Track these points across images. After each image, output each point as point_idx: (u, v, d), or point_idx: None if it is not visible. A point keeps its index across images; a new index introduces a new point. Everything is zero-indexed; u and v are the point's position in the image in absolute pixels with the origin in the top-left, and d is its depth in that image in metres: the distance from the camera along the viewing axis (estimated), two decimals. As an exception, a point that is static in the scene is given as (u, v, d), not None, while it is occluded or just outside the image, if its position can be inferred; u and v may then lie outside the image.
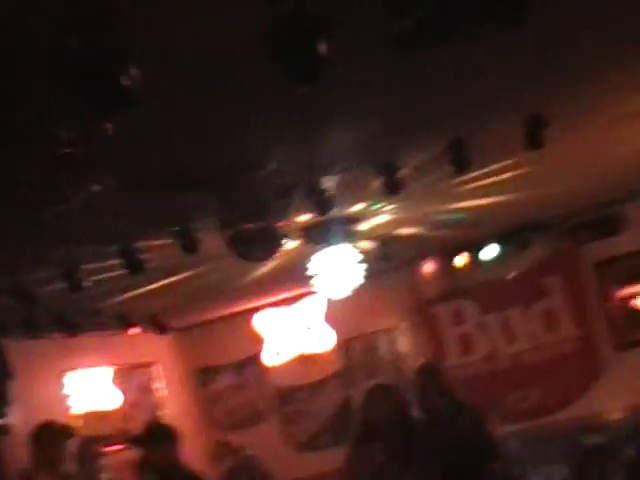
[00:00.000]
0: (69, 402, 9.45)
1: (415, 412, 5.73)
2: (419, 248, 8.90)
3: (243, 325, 11.02)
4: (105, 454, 6.70)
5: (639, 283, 9.74)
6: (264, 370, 11.20)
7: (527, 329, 10.11)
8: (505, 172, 6.74)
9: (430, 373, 5.83)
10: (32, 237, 5.56)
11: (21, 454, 8.21)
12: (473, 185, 6.79)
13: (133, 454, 7.11)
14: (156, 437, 6.21)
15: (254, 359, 11.23)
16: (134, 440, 6.79)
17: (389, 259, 8.35)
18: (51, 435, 7.13)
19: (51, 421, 7.26)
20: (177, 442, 6.17)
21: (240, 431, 10.63)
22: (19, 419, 8.38)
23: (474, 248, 9.62)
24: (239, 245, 5.63)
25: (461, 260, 9.64)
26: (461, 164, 5.59)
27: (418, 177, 6.18)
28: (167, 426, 6.48)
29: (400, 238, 8.21)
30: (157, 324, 9.48)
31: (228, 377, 11.41)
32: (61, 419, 9.13)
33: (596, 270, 9.86)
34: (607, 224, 9.54)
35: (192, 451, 7.22)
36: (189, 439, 6.64)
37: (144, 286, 7.53)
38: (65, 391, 9.45)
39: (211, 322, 11.09)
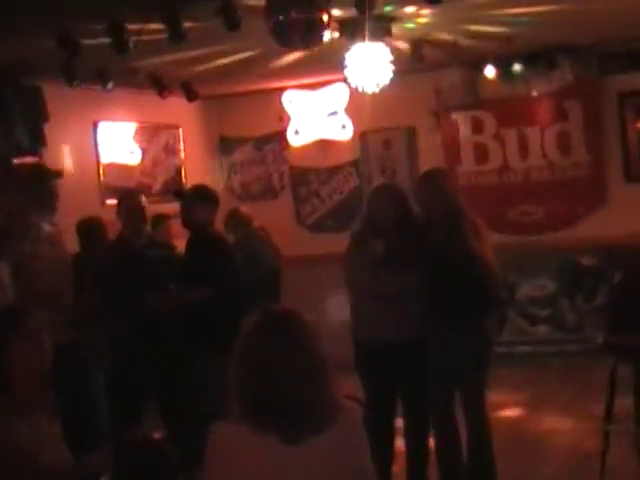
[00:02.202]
0: (99, 150, 9.86)
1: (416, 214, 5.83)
2: (449, 54, 8.98)
3: (269, 102, 11.27)
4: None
5: (658, 120, 9.88)
6: (283, 148, 11.56)
7: (541, 148, 10.34)
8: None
9: (436, 178, 5.90)
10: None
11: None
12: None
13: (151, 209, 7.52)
14: (201, 197, 6.61)
15: (275, 136, 11.55)
16: (179, 194, 7.17)
17: (419, 61, 8.46)
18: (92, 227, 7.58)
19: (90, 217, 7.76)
20: (217, 209, 6.65)
21: (254, 203, 11.01)
22: (51, 161, 8.82)
23: (502, 63, 9.70)
24: (280, 32, 5.77)
25: (488, 72, 9.74)
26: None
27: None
28: (213, 191, 6.85)
29: (433, 42, 8.35)
30: (188, 90, 9.70)
31: (248, 150, 11.75)
32: (90, 166, 9.63)
33: (618, 101, 9.99)
34: (635, 58, 9.62)
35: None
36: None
37: (182, 52, 7.70)
38: (96, 140, 9.84)
39: (238, 95, 11.28)
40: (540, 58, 9.71)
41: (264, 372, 2.73)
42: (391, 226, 5.66)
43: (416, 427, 5.85)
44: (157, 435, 6.65)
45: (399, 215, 5.68)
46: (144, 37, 6.76)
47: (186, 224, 6.67)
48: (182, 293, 6.43)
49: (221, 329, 5.81)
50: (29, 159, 8.55)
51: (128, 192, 7.37)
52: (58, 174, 8.09)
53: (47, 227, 6.56)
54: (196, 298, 6.22)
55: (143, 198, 6.77)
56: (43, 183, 6.93)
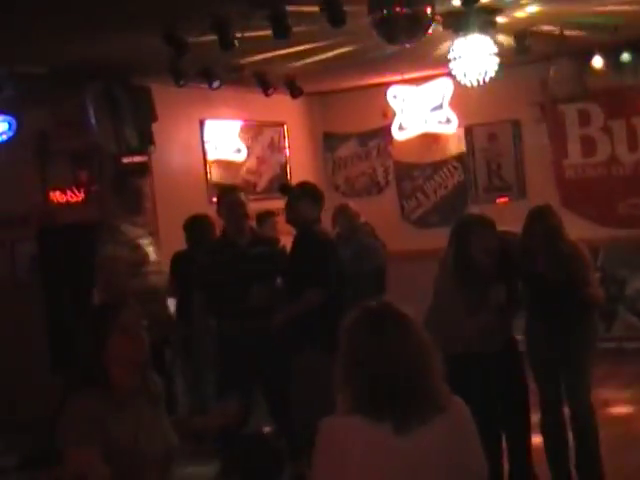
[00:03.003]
0: (205, 148, 10.01)
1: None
2: (555, 46, 8.84)
3: (373, 98, 11.28)
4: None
5: None
6: (387, 143, 11.55)
7: (651, 140, 10.09)
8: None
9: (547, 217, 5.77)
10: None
11: (155, 190, 8.91)
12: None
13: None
14: (306, 193, 6.56)
15: (379, 132, 11.55)
16: (286, 189, 7.14)
17: (524, 53, 8.37)
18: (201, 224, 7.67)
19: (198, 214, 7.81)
20: (322, 206, 6.59)
21: (359, 199, 10.93)
22: (159, 160, 9.02)
23: (610, 53, 9.49)
24: (385, 26, 5.77)
25: (595, 63, 9.54)
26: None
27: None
28: (318, 188, 6.79)
29: (538, 34, 8.23)
30: (292, 87, 9.78)
31: (353, 146, 11.77)
32: (197, 164, 9.79)
33: None
34: None
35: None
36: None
37: (287, 49, 7.78)
38: (203, 138, 9.99)
39: (343, 91, 11.34)
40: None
41: (373, 363, 2.76)
42: (494, 267, 5.39)
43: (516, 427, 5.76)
44: (266, 429, 6.77)
45: (500, 253, 5.42)
46: (249, 34, 6.85)
47: (290, 220, 6.64)
48: (295, 302, 6.35)
49: (325, 327, 5.81)
50: (138, 158, 8.75)
51: (227, 188, 7.35)
52: (141, 172, 8.15)
53: (130, 230, 6.60)
54: (309, 305, 6.19)
55: (243, 194, 6.79)
56: (126, 184, 6.96)
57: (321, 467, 2.82)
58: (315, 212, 6.51)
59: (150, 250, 6.71)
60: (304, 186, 6.84)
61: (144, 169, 8.62)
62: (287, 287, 6.65)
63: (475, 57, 7.24)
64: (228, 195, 6.82)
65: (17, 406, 8.70)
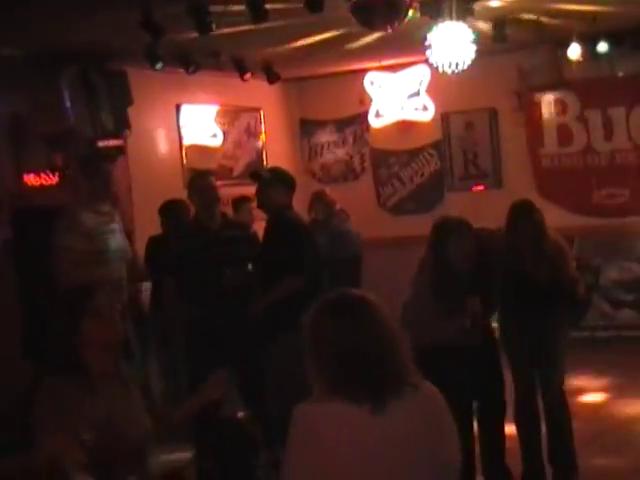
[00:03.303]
0: (182, 133, 9.98)
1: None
2: (533, 34, 8.85)
3: (350, 84, 11.26)
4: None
5: None
6: (364, 130, 11.53)
7: (626, 130, 10.11)
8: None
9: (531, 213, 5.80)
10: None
11: (130, 174, 8.87)
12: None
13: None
14: (277, 179, 6.54)
15: (356, 118, 11.53)
16: (257, 175, 7.00)
17: (502, 41, 8.38)
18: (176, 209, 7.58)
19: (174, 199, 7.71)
20: (293, 191, 6.55)
21: (335, 185, 10.96)
22: (134, 144, 8.96)
23: (587, 42, 9.45)
24: (362, 12, 5.76)
25: (572, 52, 9.50)
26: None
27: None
28: (289, 174, 6.75)
29: (516, 21, 8.24)
30: (269, 72, 9.74)
31: (329, 132, 11.75)
32: (173, 149, 9.75)
33: None
34: None
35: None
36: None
37: (263, 34, 7.73)
38: (179, 122, 9.96)
39: (320, 77, 11.31)
40: (626, 37, 9.49)
41: (342, 346, 2.79)
42: (469, 272, 5.41)
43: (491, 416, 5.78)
44: (240, 414, 6.75)
45: (477, 259, 5.45)
46: (227, 19, 6.82)
47: (261, 206, 6.61)
48: (274, 289, 6.31)
49: (302, 312, 5.80)
50: (113, 142, 8.70)
51: (198, 174, 7.31)
52: (112, 157, 7.93)
53: (90, 218, 6.39)
54: (288, 291, 6.17)
55: (213, 179, 6.77)
56: (96, 168, 6.71)
57: (295, 453, 2.82)
58: (287, 198, 6.49)
59: (111, 238, 6.49)
60: (275, 172, 6.83)
61: (116, 153, 8.56)
62: (259, 273, 6.65)
63: (452, 45, 7.21)
64: (198, 180, 6.84)
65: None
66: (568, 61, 9.73)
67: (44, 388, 3.43)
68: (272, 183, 6.48)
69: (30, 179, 8.94)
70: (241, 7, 6.47)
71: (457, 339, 5.31)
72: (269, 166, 9.58)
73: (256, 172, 7.40)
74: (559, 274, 5.64)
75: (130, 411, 3.56)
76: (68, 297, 3.71)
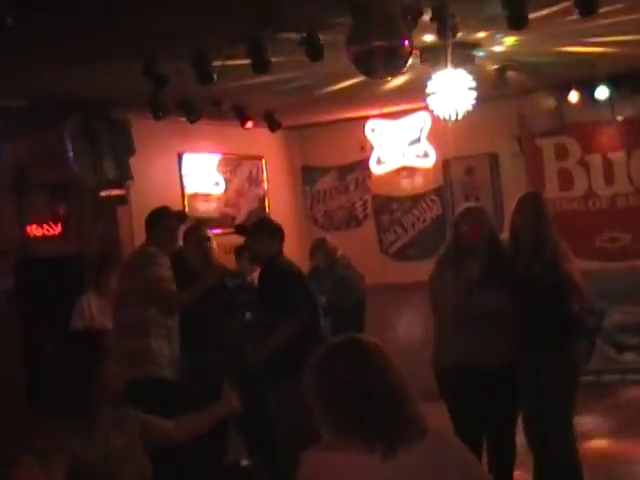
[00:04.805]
0: (184, 182, 10.00)
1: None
2: (533, 80, 8.91)
3: (351, 132, 11.30)
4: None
5: None
6: (366, 177, 11.56)
7: (627, 174, 10.13)
8: (631, 13, 6.69)
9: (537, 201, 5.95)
10: (164, 20, 5.80)
11: (133, 224, 8.88)
12: (595, 24, 6.73)
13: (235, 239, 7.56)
14: (262, 229, 6.56)
15: (357, 165, 11.55)
16: (241, 228, 7.10)
17: (503, 86, 8.43)
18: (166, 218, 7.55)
19: (166, 206, 7.69)
20: (282, 238, 6.54)
21: (337, 232, 11.02)
22: (137, 193, 8.98)
23: (586, 88, 9.52)
24: (363, 61, 5.78)
25: (572, 97, 9.60)
26: (588, 6, 5.68)
27: (542, 10, 6.24)
28: (274, 222, 6.77)
29: (516, 68, 8.31)
30: (270, 120, 9.79)
31: (331, 179, 11.77)
32: (175, 198, 9.76)
33: None
34: None
35: (291, 245, 7.57)
36: (289, 234, 6.96)
37: (265, 83, 7.77)
38: (181, 171, 9.98)
39: (321, 124, 11.36)
40: (625, 81, 9.53)
41: (361, 389, 2.76)
42: (483, 247, 5.69)
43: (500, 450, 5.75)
44: (244, 462, 6.71)
45: (490, 236, 5.77)
46: (228, 69, 6.87)
47: (252, 258, 6.71)
48: (270, 337, 6.29)
49: (304, 358, 5.78)
50: (115, 191, 8.72)
51: (192, 226, 7.36)
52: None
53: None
54: (284, 337, 6.15)
55: (206, 229, 6.84)
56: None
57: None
58: (275, 245, 6.50)
59: None
60: (258, 222, 6.94)
61: (119, 203, 8.59)
62: (257, 321, 6.67)
63: (453, 91, 7.27)
64: (192, 232, 6.91)
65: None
66: (568, 106, 9.80)
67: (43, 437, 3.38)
68: (257, 233, 6.55)
69: (33, 230, 8.98)
70: (243, 61, 6.51)
71: (476, 356, 5.42)
72: (275, 214, 9.57)
73: (240, 226, 7.47)
74: (561, 270, 5.56)
75: (128, 452, 3.52)
76: (81, 340, 3.66)
